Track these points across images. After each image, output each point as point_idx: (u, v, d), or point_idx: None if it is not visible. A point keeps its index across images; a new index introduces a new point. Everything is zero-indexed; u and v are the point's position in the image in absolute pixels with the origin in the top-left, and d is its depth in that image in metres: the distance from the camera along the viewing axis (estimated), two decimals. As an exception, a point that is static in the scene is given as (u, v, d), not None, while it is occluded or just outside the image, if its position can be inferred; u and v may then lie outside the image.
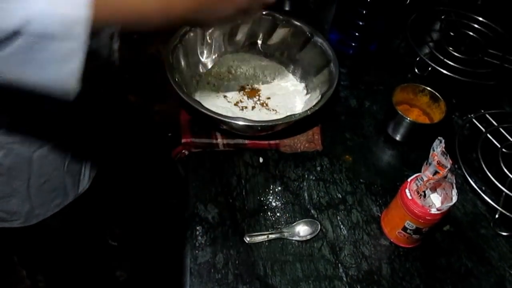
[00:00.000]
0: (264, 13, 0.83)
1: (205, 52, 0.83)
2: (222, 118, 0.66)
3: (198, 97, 0.78)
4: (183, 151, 0.74)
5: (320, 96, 0.72)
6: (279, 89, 0.83)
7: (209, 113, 0.66)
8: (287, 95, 0.82)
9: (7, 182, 0.71)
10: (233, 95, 0.80)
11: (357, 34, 0.90)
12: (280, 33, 0.84)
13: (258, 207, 0.68)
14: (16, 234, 0.82)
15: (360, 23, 0.87)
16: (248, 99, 0.80)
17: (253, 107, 0.79)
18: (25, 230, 0.79)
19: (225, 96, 0.80)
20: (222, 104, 0.78)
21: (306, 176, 0.72)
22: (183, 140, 0.74)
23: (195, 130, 0.75)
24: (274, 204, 0.69)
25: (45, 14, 0.41)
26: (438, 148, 0.56)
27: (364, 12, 0.85)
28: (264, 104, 0.80)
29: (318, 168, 0.74)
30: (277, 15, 0.83)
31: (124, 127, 0.99)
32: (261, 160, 0.74)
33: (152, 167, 1.29)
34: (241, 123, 0.66)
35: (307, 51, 0.82)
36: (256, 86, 0.83)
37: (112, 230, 1.34)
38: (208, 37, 0.83)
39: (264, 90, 0.82)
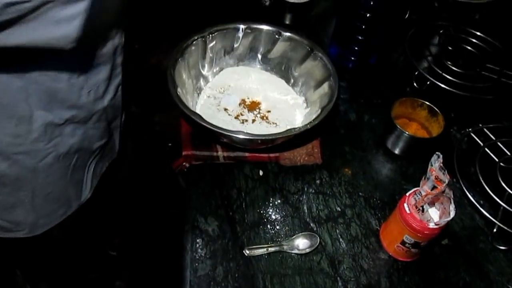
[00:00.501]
0: (265, 27, 0.84)
1: (206, 65, 0.85)
2: (223, 132, 0.66)
3: (199, 110, 0.79)
4: (184, 163, 0.75)
5: (320, 110, 0.73)
6: (279, 102, 0.84)
7: (210, 127, 0.66)
8: (287, 109, 0.83)
9: (12, 193, 0.71)
10: (234, 108, 0.81)
11: (356, 48, 0.91)
12: (280, 47, 0.86)
13: (258, 220, 0.69)
14: (19, 244, 0.82)
15: (360, 38, 0.88)
16: (248, 112, 0.81)
17: (253, 120, 0.80)
18: (28, 241, 0.80)
19: (225, 109, 0.81)
20: (223, 117, 0.79)
21: (305, 189, 0.73)
22: (184, 153, 0.75)
23: (196, 143, 0.76)
24: (273, 217, 0.69)
25: None
26: (436, 163, 0.57)
27: (363, 27, 0.86)
28: (264, 117, 0.81)
29: (318, 181, 0.74)
30: (277, 29, 0.84)
31: (125, 136, 1.00)
32: (261, 173, 0.75)
33: (152, 178, 1.30)
34: (241, 136, 0.67)
35: (307, 65, 0.83)
36: (256, 99, 0.84)
37: (112, 240, 1.35)
38: (209, 51, 0.84)
39: (265, 103, 0.83)
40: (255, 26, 0.84)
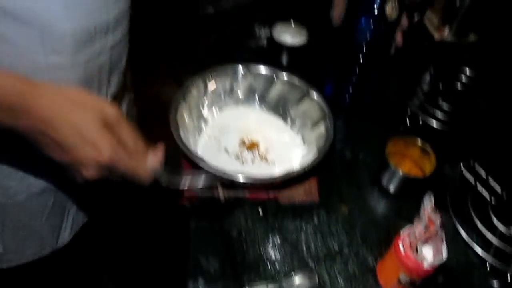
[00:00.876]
0: (263, 69, 0.88)
1: (206, 106, 0.88)
2: (224, 175, 0.69)
3: (200, 151, 0.82)
4: (186, 203, 0.77)
5: (316, 151, 0.76)
6: (277, 141, 0.87)
7: (211, 171, 0.69)
8: (285, 148, 0.86)
9: None
10: (234, 148, 0.84)
11: (350, 88, 0.94)
12: (277, 88, 0.89)
13: (258, 258, 0.71)
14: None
15: (354, 80, 0.92)
16: (248, 152, 0.84)
17: (252, 160, 0.83)
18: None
19: (226, 149, 0.84)
20: (223, 158, 0.82)
21: (304, 227, 0.75)
22: (186, 193, 0.77)
23: (197, 183, 0.78)
24: (273, 255, 0.71)
25: None
26: (428, 204, 0.59)
27: (357, 70, 0.90)
28: (263, 157, 0.84)
29: (316, 219, 0.77)
30: (275, 71, 0.88)
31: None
32: (260, 212, 0.77)
33: (154, 216, 1.31)
34: (242, 179, 0.69)
35: (304, 106, 0.87)
36: (255, 139, 0.87)
37: (111, 277, 1.34)
38: (209, 92, 0.87)
39: (263, 142, 0.86)
40: (253, 68, 0.88)
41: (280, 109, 0.91)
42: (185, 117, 0.81)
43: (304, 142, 0.86)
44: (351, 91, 0.94)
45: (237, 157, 0.83)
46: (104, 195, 0.97)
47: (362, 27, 0.84)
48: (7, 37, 0.55)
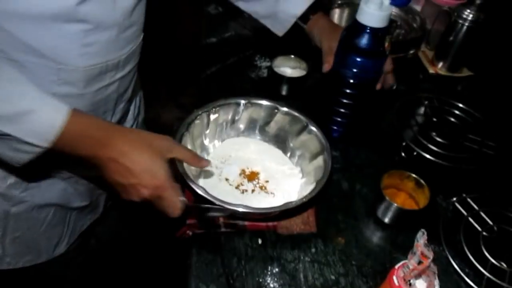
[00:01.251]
0: (264, 102, 0.92)
1: (208, 137, 0.91)
2: (225, 206, 0.72)
3: (202, 181, 0.85)
4: (188, 231, 0.80)
5: (315, 182, 0.79)
6: (276, 172, 0.90)
7: (213, 200, 0.72)
8: (284, 179, 0.89)
9: None
10: (234, 178, 0.87)
11: (339, 120, 0.98)
12: (278, 120, 0.93)
13: (257, 287, 0.73)
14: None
15: (342, 111, 0.96)
16: (248, 182, 0.87)
17: (252, 190, 0.86)
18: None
19: (226, 179, 0.87)
20: (224, 187, 0.85)
21: (301, 257, 0.78)
22: (188, 221, 0.80)
23: (199, 212, 0.81)
24: (272, 285, 0.73)
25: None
26: (421, 239, 0.62)
27: (344, 101, 0.94)
28: (263, 188, 0.86)
29: (313, 250, 0.79)
30: (275, 104, 0.92)
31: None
32: (259, 241, 0.79)
33: (154, 245, 1.32)
34: (241, 210, 0.72)
35: (303, 138, 0.90)
36: (255, 169, 0.90)
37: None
38: (212, 123, 0.90)
39: (263, 173, 0.89)
40: (254, 101, 0.92)
41: (280, 140, 0.94)
42: (188, 147, 0.84)
43: (302, 173, 0.89)
44: (340, 121, 0.98)
45: (238, 187, 0.85)
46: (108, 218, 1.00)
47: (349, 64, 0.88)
48: (26, 66, 0.61)
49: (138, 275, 1.30)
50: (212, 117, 0.90)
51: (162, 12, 1.57)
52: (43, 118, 0.57)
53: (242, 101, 0.91)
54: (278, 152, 0.94)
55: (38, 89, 0.58)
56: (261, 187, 0.87)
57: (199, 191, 0.73)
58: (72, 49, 0.62)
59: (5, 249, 0.81)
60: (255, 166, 0.90)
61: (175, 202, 0.67)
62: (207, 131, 0.90)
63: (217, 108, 0.90)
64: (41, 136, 0.57)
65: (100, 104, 0.74)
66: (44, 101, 0.58)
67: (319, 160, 0.85)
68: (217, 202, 0.72)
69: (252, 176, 0.88)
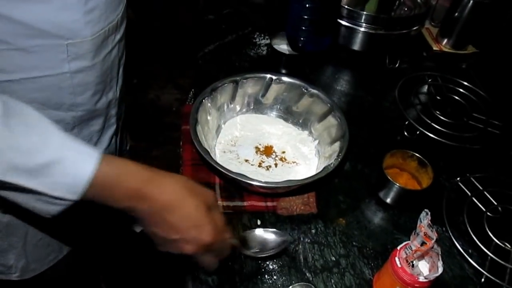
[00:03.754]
0: (261, 75, 0.91)
1: (210, 123, 0.88)
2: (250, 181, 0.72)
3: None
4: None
5: (339, 141, 0.82)
6: (287, 141, 0.90)
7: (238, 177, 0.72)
8: (297, 145, 0.90)
9: (4, 238, 0.74)
10: (253, 158, 0.86)
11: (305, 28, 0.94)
12: (275, 90, 0.92)
13: (256, 270, 0.71)
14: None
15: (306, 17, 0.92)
16: (267, 157, 0.87)
17: (275, 165, 0.86)
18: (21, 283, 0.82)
19: (246, 160, 0.85)
20: (248, 169, 0.84)
21: (301, 239, 0.76)
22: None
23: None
24: (271, 267, 0.72)
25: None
26: (424, 220, 0.60)
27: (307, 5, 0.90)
28: (283, 159, 0.87)
29: (313, 231, 0.77)
30: (271, 75, 0.91)
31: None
32: (259, 222, 0.78)
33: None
34: (264, 184, 0.73)
35: (305, 102, 0.91)
36: (267, 143, 0.89)
37: (108, 278, 1.35)
38: (209, 110, 0.87)
39: (275, 145, 0.89)
40: (249, 75, 0.90)
41: (281, 109, 0.95)
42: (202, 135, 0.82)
43: (313, 136, 0.92)
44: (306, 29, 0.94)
45: (260, 165, 0.85)
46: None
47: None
48: (32, 51, 0.57)
49: (134, 261, 1.29)
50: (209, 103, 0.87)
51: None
52: (69, 169, 0.48)
53: (237, 78, 0.89)
54: (279, 121, 0.94)
55: (62, 133, 0.49)
56: (281, 159, 0.86)
57: (234, 176, 0.72)
58: (76, 20, 0.59)
59: (28, 256, 0.78)
60: (265, 140, 0.90)
61: (224, 251, 0.62)
62: (209, 119, 0.87)
63: (215, 91, 0.87)
64: (69, 189, 0.49)
65: (108, 72, 0.72)
66: (70, 148, 0.49)
67: (330, 120, 0.85)
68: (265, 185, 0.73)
69: (268, 151, 0.88)
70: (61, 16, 0.57)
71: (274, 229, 0.74)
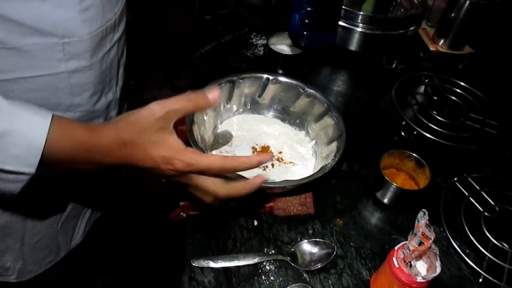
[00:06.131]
0: (257, 75, 0.90)
1: (206, 124, 0.87)
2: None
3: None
4: (181, 213, 0.78)
5: (335, 141, 0.81)
6: (284, 141, 0.90)
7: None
8: (294, 145, 0.90)
9: (1, 240, 0.73)
10: None
11: (307, 21, 0.93)
12: (271, 90, 0.91)
13: (252, 271, 0.71)
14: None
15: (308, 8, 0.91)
16: None
17: (272, 165, 0.85)
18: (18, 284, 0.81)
19: None
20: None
21: (298, 239, 0.75)
22: (182, 203, 0.77)
23: (193, 193, 0.79)
24: (268, 267, 0.71)
25: None
26: (422, 220, 0.60)
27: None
28: (280, 159, 0.86)
29: (310, 232, 0.77)
30: (268, 75, 0.90)
31: (121, 173, 1.02)
32: (255, 223, 0.77)
33: (149, 226, 1.31)
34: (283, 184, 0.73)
35: (301, 102, 0.90)
36: (264, 143, 0.89)
37: (104, 279, 1.35)
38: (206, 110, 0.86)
39: (272, 145, 0.89)
40: (246, 75, 0.90)
41: (278, 109, 0.94)
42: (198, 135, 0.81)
43: (310, 136, 0.91)
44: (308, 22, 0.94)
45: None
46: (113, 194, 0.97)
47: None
48: (27, 50, 0.56)
49: (132, 258, 1.28)
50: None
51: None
52: (19, 140, 0.46)
53: (234, 78, 0.88)
54: (276, 121, 0.93)
55: (7, 103, 0.47)
56: (278, 160, 0.86)
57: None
58: (71, 18, 0.58)
59: (25, 258, 0.77)
60: (262, 140, 0.89)
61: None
62: (205, 120, 0.87)
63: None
64: (23, 161, 0.47)
65: (106, 73, 0.70)
66: (18, 117, 0.47)
67: (327, 120, 0.85)
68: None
69: (265, 151, 0.88)
70: (55, 14, 0.55)
71: (318, 239, 0.75)
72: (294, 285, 0.69)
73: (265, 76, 0.90)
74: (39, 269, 0.81)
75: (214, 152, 0.86)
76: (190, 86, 1.05)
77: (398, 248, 0.64)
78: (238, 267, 0.71)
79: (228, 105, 0.91)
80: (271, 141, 0.90)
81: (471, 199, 0.82)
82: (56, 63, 0.60)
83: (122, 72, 0.78)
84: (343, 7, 1.03)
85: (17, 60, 0.57)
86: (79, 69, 0.63)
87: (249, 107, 0.93)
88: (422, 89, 1.07)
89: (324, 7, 0.91)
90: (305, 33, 0.94)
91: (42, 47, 0.57)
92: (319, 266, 0.71)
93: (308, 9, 0.90)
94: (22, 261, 0.77)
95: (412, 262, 0.62)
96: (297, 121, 0.92)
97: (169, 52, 2.48)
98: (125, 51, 0.78)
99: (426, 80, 1.07)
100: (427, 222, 0.59)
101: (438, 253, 0.60)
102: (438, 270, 0.60)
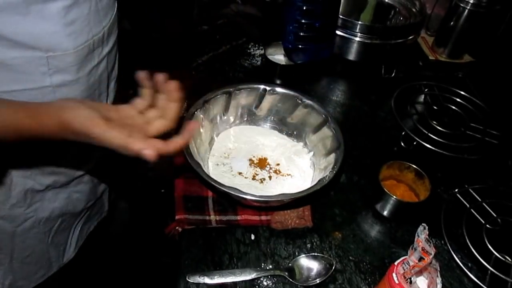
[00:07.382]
0: (254, 86, 0.89)
1: (203, 136, 0.86)
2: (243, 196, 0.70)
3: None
4: (177, 227, 0.76)
5: (333, 153, 0.79)
6: (282, 153, 0.88)
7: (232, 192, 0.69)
8: (292, 157, 0.88)
9: None
10: (247, 170, 0.84)
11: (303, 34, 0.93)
12: (268, 101, 0.90)
13: (249, 286, 0.69)
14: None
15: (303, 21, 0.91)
16: (261, 170, 0.85)
17: (270, 177, 0.84)
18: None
19: (240, 173, 0.83)
20: (241, 182, 0.82)
21: (296, 253, 0.74)
22: (177, 217, 0.76)
23: (189, 207, 0.77)
24: (265, 283, 0.70)
25: None
26: (422, 234, 0.58)
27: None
28: (277, 172, 0.85)
29: (309, 245, 0.75)
30: (265, 86, 0.89)
31: (118, 183, 1.00)
32: (252, 237, 0.76)
33: (145, 241, 1.29)
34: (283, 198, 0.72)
35: (298, 113, 0.89)
36: (261, 155, 0.87)
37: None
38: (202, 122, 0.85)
39: (270, 157, 0.88)
40: (242, 86, 0.88)
41: (275, 121, 0.93)
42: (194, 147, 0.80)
43: (308, 147, 0.90)
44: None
45: (254, 178, 0.83)
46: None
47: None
48: (11, 64, 0.55)
49: (126, 274, 1.27)
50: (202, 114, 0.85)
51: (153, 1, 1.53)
52: None
53: (231, 89, 0.87)
54: (273, 132, 0.92)
55: None
56: (275, 172, 0.85)
57: (219, 186, 0.70)
58: (56, 32, 0.57)
59: (15, 273, 0.76)
60: (259, 152, 0.88)
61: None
62: (201, 131, 0.85)
63: (208, 102, 0.85)
64: None
65: (95, 87, 0.70)
66: None
67: (325, 131, 0.84)
68: (252, 198, 0.70)
69: (262, 163, 0.86)
70: (39, 28, 0.55)
71: (316, 254, 0.73)
72: (291, 301, 0.68)
73: (262, 87, 0.89)
74: (29, 284, 0.79)
75: (210, 164, 0.85)
76: (187, 96, 1.04)
77: (398, 263, 0.63)
78: (234, 283, 0.69)
79: (225, 117, 0.90)
80: (269, 152, 0.88)
81: (472, 211, 0.81)
82: (41, 76, 0.59)
83: (113, 86, 0.77)
84: (341, 16, 1.03)
85: (1, 74, 0.56)
86: (64, 83, 0.62)
87: (246, 119, 0.92)
88: (421, 98, 1.06)
89: (319, 19, 0.90)
90: (300, 46, 0.93)
91: (25, 61, 0.56)
92: (318, 282, 0.69)
93: (302, 21, 0.89)
94: (11, 276, 0.76)
95: (412, 278, 0.60)
96: (295, 132, 0.91)
97: (166, 61, 2.48)
98: (116, 65, 0.76)
99: (426, 90, 1.06)
100: (427, 236, 0.57)
101: (439, 269, 0.59)
102: (439, 286, 0.59)
